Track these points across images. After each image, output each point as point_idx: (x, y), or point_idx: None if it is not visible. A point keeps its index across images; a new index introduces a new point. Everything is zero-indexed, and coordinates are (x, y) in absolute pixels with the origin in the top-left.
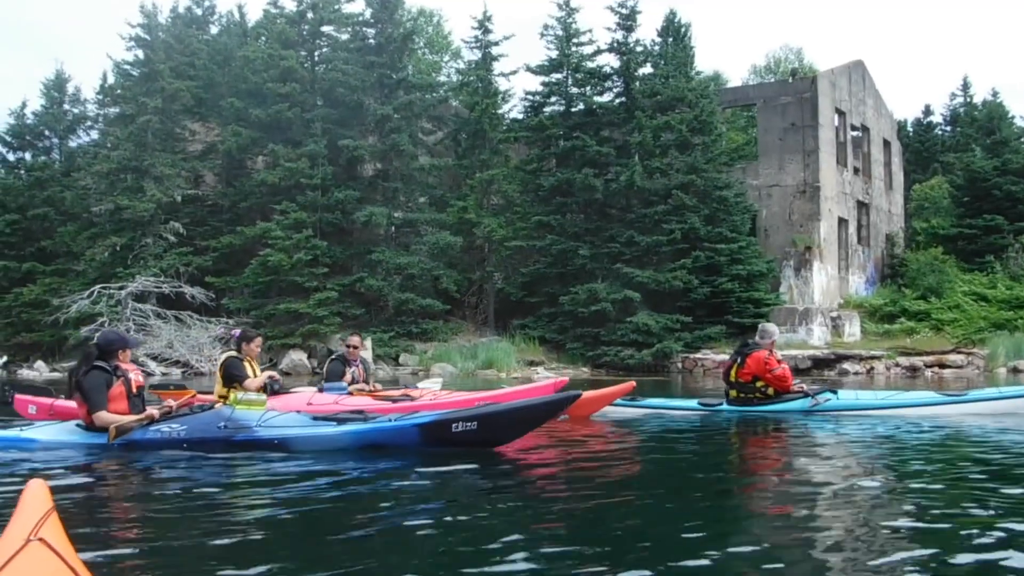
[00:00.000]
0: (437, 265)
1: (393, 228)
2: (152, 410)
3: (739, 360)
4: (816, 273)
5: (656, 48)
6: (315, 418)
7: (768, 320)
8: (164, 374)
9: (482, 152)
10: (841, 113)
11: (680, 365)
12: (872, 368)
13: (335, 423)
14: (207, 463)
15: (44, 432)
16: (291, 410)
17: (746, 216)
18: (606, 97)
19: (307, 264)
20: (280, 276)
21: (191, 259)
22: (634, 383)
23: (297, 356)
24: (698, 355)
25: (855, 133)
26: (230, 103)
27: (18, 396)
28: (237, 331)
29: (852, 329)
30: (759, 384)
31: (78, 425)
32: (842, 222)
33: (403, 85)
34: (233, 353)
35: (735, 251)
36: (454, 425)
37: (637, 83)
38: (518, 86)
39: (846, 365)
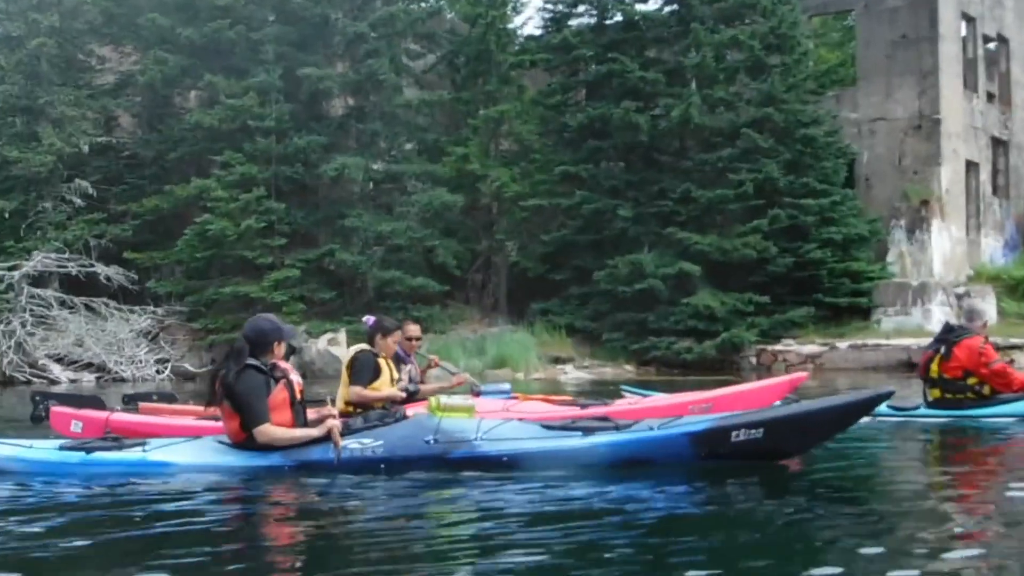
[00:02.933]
0: (431, 233)
1: (372, 184)
2: (333, 420)
3: (943, 350)
4: (936, 236)
5: None
6: (546, 427)
7: (872, 299)
8: (72, 381)
9: (488, 82)
10: (970, 19)
11: (754, 360)
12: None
13: (579, 433)
14: (422, 490)
15: (178, 453)
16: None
17: (841, 161)
18: (652, 5)
19: (259, 234)
20: (224, 250)
21: (104, 229)
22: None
23: None
24: (778, 347)
25: (990, 46)
26: (151, 20)
27: (55, 409)
28: (371, 319)
29: (985, 310)
30: (971, 381)
31: (220, 442)
32: (971, 166)
33: None
34: (365, 347)
35: (827, 208)
36: (734, 433)
37: None
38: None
39: None
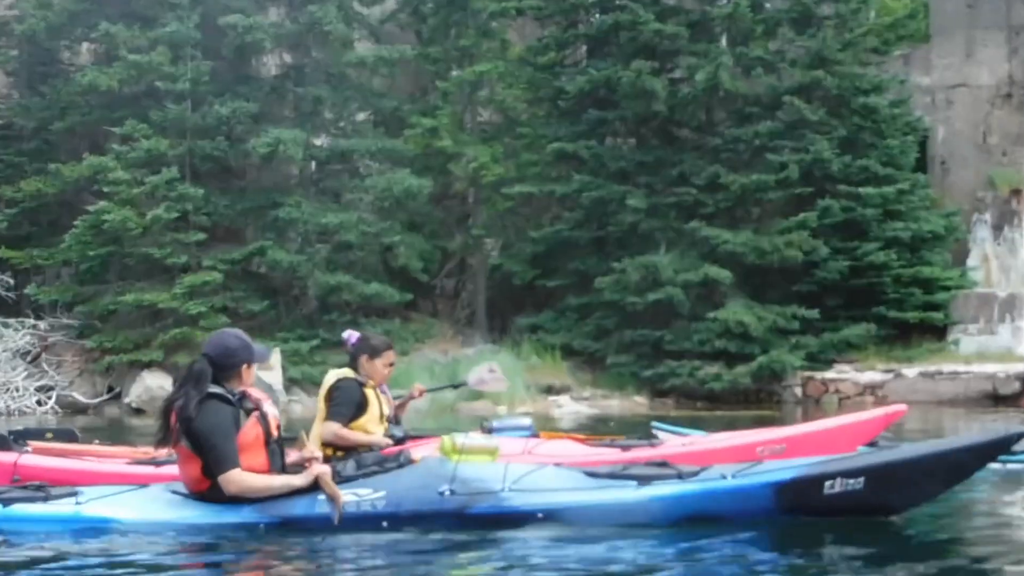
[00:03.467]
0: (389, 227)
1: (314, 165)
2: (320, 466)
3: None
4: None
5: None
6: (590, 474)
7: (948, 314)
8: None
9: (463, 34)
10: None
11: (799, 391)
12: None
13: (634, 482)
14: (435, 554)
15: (121, 506)
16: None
17: (911, 139)
18: None
19: (170, 227)
20: (124, 247)
21: None
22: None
23: (155, 381)
24: (829, 374)
25: None
26: None
27: None
28: (354, 336)
29: None
30: None
31: (175, 492)
32: None
33: None
34: (347, 375)
35: (892, 199)
36: (828, 483)
37: None
38: None
39: None
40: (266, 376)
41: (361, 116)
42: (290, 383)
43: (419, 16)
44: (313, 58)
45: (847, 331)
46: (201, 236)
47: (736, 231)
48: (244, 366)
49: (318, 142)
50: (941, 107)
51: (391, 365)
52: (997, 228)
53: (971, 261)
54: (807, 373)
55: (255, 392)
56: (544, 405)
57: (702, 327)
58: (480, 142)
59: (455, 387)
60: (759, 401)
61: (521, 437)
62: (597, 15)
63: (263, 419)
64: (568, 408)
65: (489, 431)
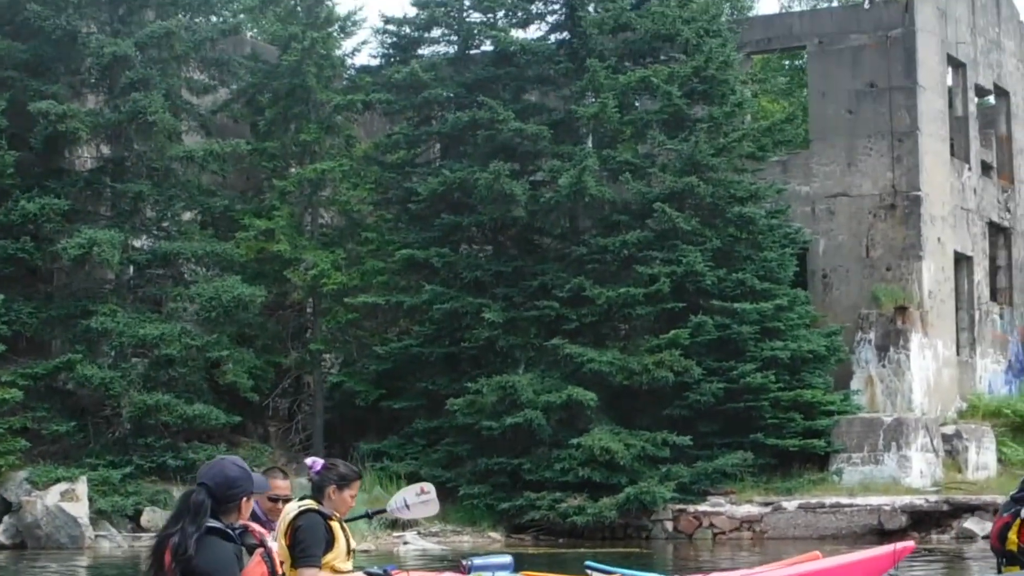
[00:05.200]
0: (217, 340)
1: (132, 270)
2: None
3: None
4: (917, 355)
5: None
6: None
7: (830, 441)
8: None
9: (303, 129)
10: (959, 65)
11: (671, 526)
12: None
13: None
14: None
15: None
16: None
17: (789, 252)
18: (534, 31)
19: None
20: None
21: None
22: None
23: None
24: (703, 507)
25: (985, 101)
26: None
27: None
28: (318, 462)
29: (982, 457)
30: None
31: None
32: (963, 261)
33: None
34: (309, 506)
35: (769, 315)
36: None
37: (591, 6)
38: (372, 6)
39: (970, 523)
40: (70, 508)
41: (187, 216)
42: (97, 516)
43: (255, 107)
44: (135, 151)
45: (722, 460)
46: None
47: (602, 349)
48: (244, 498)
49: (137, 244)
50: (822, 217)
51: (275, 501)
52: (882, 348)
53: (854, 384)
54: (679, 506)
55: (255, 527)
56: (387, 542)
57: (564, 454)
58: (320, 247)
59: (369, 516)
60: (626, 537)
61: None
62: (452, 111)
63: (268, 559)
64: (415, 545)
65: (469, 570)
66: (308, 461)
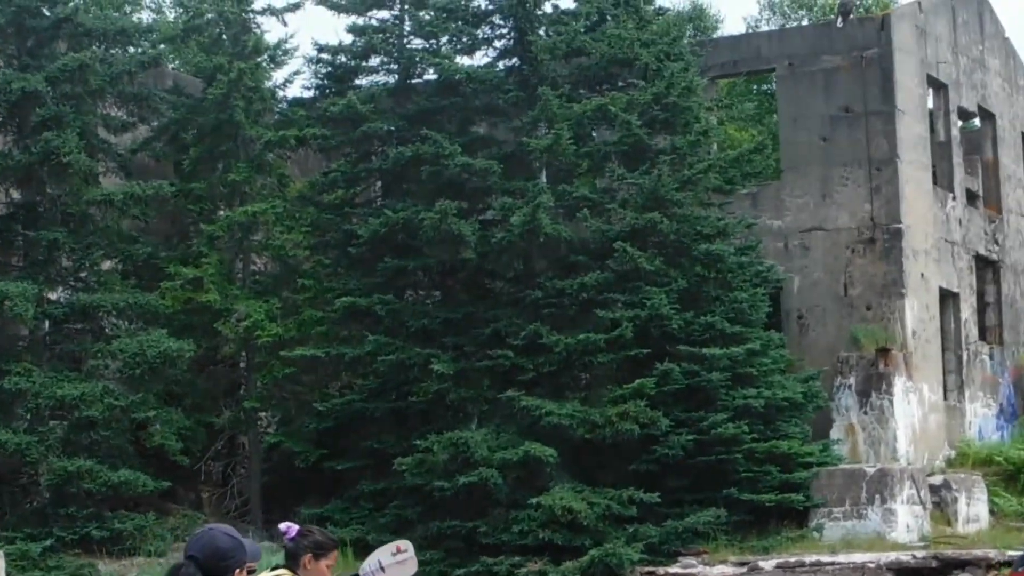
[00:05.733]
0: (142, 399)
1: (48, 324)
2: None
3: None
4: (900, 400)
5: None
6: None
7: (810, 495)
8: None
9: (232, 168)
10: (940, 87)
11: None
12: None
13: None
14: None
15: None
16: None
17: (761, 292)
18: (481, 58)
19: None
20: None
21: None
22: None
23: None
24: (673, 569)
25: (969, 124)
26: None
27: None
28: (292, 528)
29: (973, 508)
30: None
31: None
32: (948, 298)
33: (66, 29)
34: (285, 575)
35: (741, 361)
36: None
37: (542, 30)
38: (304, 33)
39: None
40: None
41: (107, 265)
42: None
43: (178, 145)
44: (48, 195)
45: (693, 517)
46: None
47: (561, 401)
48: (237, 570)
49: (53, 296)
50: (796, 254)
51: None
52: (863, 394)
53: (834, 433)
54: (648, 568)
55: None
56: None
57: (523, 515)
58: (253, 296)
59: None
60: None
61: None
62: (394, 146)
63: None
64: None
65: None
66: (282, 527)
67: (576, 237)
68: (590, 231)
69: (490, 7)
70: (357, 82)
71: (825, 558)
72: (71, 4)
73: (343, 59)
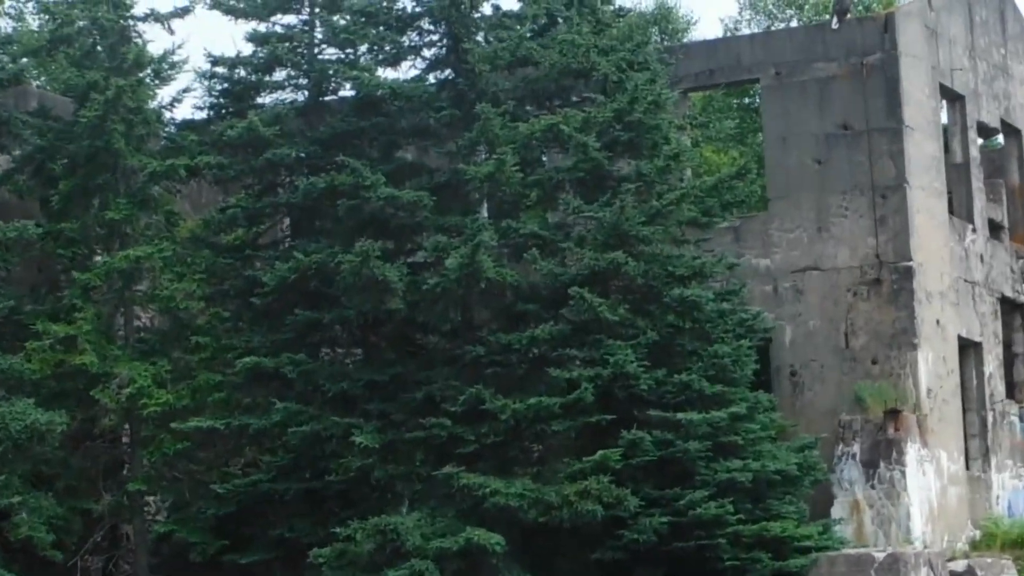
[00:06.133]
0: (5, 482)
1: None
2: None
3: None
4: (914, 471)
5: None
6: None
7: None
8: None
9: (111, 204)
10: (955, 98)
11: None
12: None
13: None
14: None
15: None
16: None
17: (747, 344)
18: (407, 70)
19: None
20: None
21: None
22: None
23: None
24: None
25: (991, 142)
26: None
27: None
28: None
29: None
30: None
31: None
32: (969, 349)
33: None
34: None
35: (723, 427)
36: None
37: (481, 36)
38: (195, 43)
39: None
40: None
41: None
42: None
43: (46, 178)
44: None
45: None
46: None
47: (509, 478)
48: None
49: None
50: (787, 299)
51: None
52: (870, 464)
53: (836, 511)
54: None
55: None
56: None
57: None
58: (138, 357)
59: None
60: None
61: None
62: (304, 176)
63: None
64: None
65: None
66: None
67: (524, 282)
68: (541, 275)
69: (417, 9)
70: (259, 100)
71: None
72: None
73: (242, 73)
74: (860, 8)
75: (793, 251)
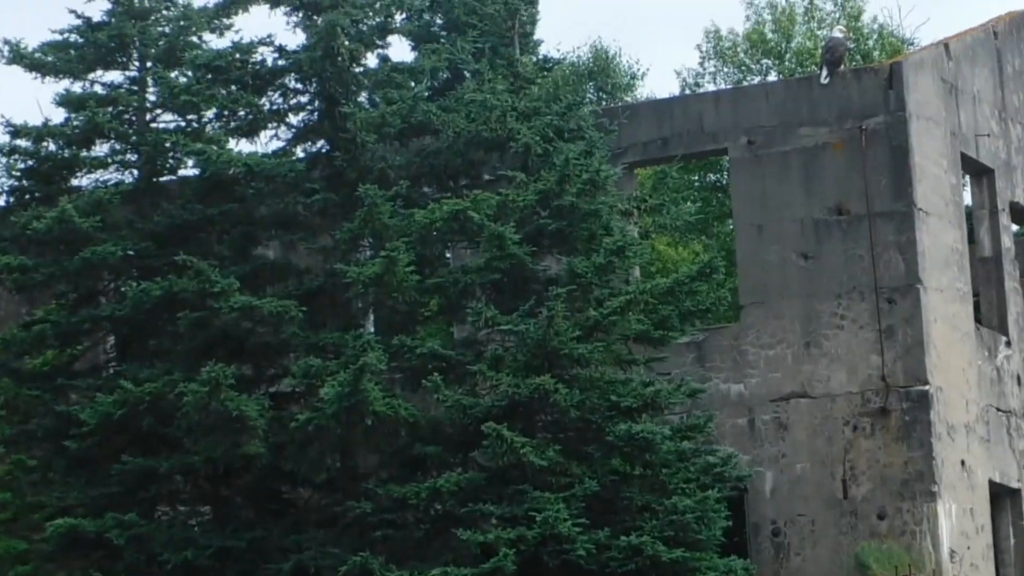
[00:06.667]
0: None
1: None
2: None
3: None
4: None
5: None
6: None
7: None
8: None
9: None
10: (982, 172)
11: None
12: None
13: None
14: None
15: None
16: None
17: (715, 495)
18: (269, 141)
19: None
20: None
21: None
22: None
23: None
24: None
25: None
26: None
27: None
28: None
29: None
30: None
31: None
32: (1004, 498)
33: None
34: None
35: None
36: None
37: (364, 96)
38: None
39: None
40: None
41: None
42: None
43: None
44: None
45: None
46: None
47: None
48: None
49: None
50: (767, 435)
51: None
52: None
53: None
54: None
55: None
56: None
57: None
58: None
59: None
60: None
61: None
62: (134, 281)
63: None
64: None
65: None
66: None
67: (423, 417)
68: (445, 407)
69: (281, 63)
70: (75, 182)
71: None
72: None
73: (52, 147)
74: (857, 57)
75: (774, 373)
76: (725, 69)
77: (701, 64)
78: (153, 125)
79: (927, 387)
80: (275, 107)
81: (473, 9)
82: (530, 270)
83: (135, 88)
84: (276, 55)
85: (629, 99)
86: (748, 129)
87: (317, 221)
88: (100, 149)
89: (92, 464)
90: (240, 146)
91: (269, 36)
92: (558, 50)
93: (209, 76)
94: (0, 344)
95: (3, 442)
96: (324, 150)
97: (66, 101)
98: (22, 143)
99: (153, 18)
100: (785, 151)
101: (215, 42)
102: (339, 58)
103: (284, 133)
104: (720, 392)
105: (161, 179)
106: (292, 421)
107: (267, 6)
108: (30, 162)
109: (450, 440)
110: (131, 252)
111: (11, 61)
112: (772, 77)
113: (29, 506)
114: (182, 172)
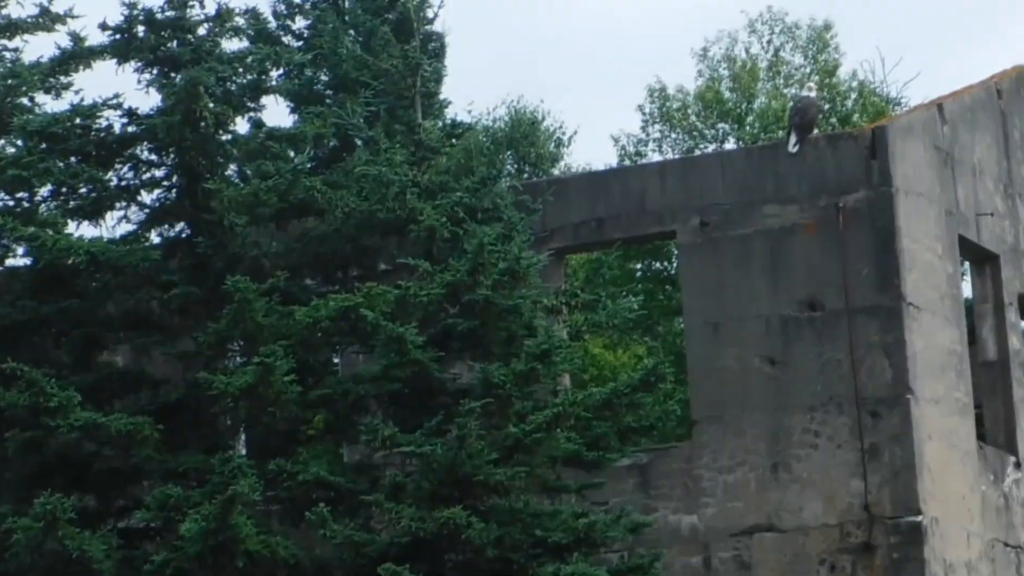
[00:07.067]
0: None
1: None
2: None
3: None
4: None
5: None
6: None
7: None
8: None
9: None
10: (984, 259)
11: None
12: None
13: None
14: None
15: None
16: None
17: None
18: (117, 224)
19: None
20: None
21: None
22: None
23: None
24: None
25: None
26: None
27: None
28: None
29: None
30: None
31: None
32: None
33: None
34: None
35: None
36: None
37: (232, 169)
38: None
39: None
40: None
41: None
42: None
43: None
44: None
45: None
46: None
47: None
48: None
49: None
50: None
51: None
52: None
53: None
54: None
55: None
56: None
57: None
58: None
59: None
60: None
61: None
62: None
63: None
64: None
65: None
66: None
67: (307, 558)
68: (334, 545)
69: (132, 129)
70: None
71: None
72: None
73: None
74: (833, 120)
75: (734, 502)
76: (673, 135)
77: (644, 129)
78: None
79: (920, 518)
80: (124, 183)
81: (365, 64)
82: (436, 379)
83: None
84: (125, 120)
85: (557, 172)
86: (701, 208)
87: (176, 321)
88: None
89: None
90: (82, 230)
91: (116, 97)
92: (469, 112)
93: (43, 145)
94: None
95: None
96: (184, 235)
97: None
98: None
99: None
100: (746, 234)
101: (50, 104)
102: (202, 123)
103: (135, 214)
104: (669, 525)
105: None
106: (146, 563)
107: (114, 61)
108: None
109: None
110: None
111: None
112: (730, 145)
113: None
114: (10, 262)
